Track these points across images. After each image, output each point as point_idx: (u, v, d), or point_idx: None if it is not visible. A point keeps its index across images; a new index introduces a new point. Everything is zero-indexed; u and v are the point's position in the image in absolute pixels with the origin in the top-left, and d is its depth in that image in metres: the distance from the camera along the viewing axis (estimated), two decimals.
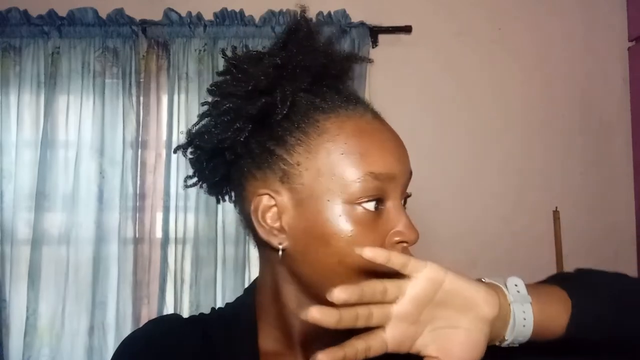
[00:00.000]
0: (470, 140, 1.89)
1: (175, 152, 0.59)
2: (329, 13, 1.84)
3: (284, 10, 1.83)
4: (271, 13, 1.84)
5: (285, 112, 0.51)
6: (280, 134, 0.51)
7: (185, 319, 0.60)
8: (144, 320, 1.78)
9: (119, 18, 1.83)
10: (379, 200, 0.50)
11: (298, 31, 0.54)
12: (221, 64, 1.89)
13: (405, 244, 0.51)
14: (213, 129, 0.53)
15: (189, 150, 0.57)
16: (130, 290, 1.78)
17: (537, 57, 1.92)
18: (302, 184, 0.50)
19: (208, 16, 1.84)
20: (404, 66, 1.90)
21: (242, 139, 0.52)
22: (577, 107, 1.92)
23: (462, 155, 1.89)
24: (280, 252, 0.51)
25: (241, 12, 1.83)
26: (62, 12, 1.82)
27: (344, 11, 1.85)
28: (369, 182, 0.49)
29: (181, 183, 1.81)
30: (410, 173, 0.54)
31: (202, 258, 1.79)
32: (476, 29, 1.93)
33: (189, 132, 0.56)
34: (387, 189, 0.50)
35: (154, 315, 1.77)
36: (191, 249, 1.80)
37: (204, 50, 1.84)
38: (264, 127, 0.52)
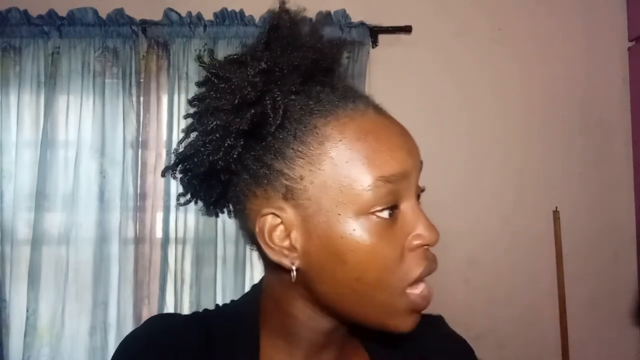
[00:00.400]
0: (470, 140, 1.89)
1: (163, 175, 0.54)
2: (329, 13, 1.84)
3: None
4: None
5: (278, 121, 0.46)
6: (277, 146, 0.47)
7: (187, 316, 0.58)
8: (144, 319, 1.78)
9: (119, 18, 1.83)
10: (393, 206, 0.47)
11: (279, 27, 0.49)
12: None
13: (426, 247, 0.48)
14: (202, 149, 0.48)
15: (179, 170, 0.53)
16: (130, 290, 1.78)
17: (537, 57, 1.92)
18: (308, 198, 0.46)
19: (208, 16, 1.84)
20: (404, 66, 1.90)
21: (235, 156, 0.47)
22: (577, 107, 1.92)
23: (462, 155, 1.89)
24: (293, 273, 0.48)
25: (241, 12, 1.83)
26: (62, 12, 1.82)
27: (344, 11, 1.85)
28: (381, 188, 0.45)
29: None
30: (421, 163, 0.51)
31: (203, 258, 1.79)
32: (476, 29, 1.93)
33: (176, 153, 0.52)
34: (401, 190, 0.47)
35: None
36: (191, 249, 1.80)
37: (204, 50, 1.84)
38: (257, 140, 0.48)
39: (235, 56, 0.49)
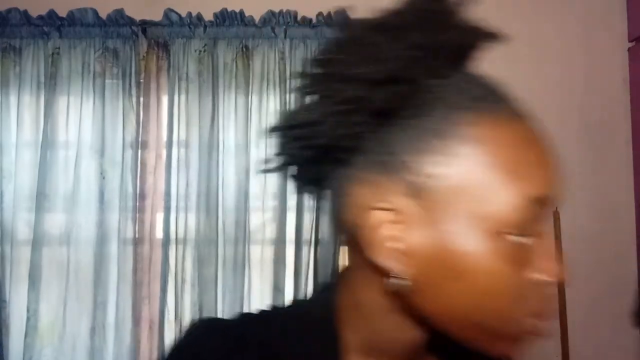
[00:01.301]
0: None
1: (270, 135, 0.45)
2: (329, 13, 1.84)
3: (284, 10, 1.83)
4: (271, 13, 1.84)
5: (420, 107, 0.40)
6: (410, 135, 0.40)
7: (240, 324, 0.50)
8: (144, 320, 1.78)
9: (118, 18, 1.83)
10: (528, 231, 0.40)
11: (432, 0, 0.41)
12: (221, 65, 1.92)
13: (546, 283, 0.42)
14: (327, 119, 0.40)
15: (282, 134, 0.44)
16: (130, 291, 1.78)
17: (537, 57, 1.92)
18: (433, 201, 0.39)
19: (208, 16, 1.84)
20: None
21: (361, 135, 0.41)
22: (577, 108, 1.92)
23: None
24: (393, 281, 0.41)
25: (241, 12, 1.83)
26: (62, 13, 1.82)
27: (344, 12, 1.85)
28: (525, 209, 0.39)
29: (181, 183, 1.82)
30: None
31: (203, 258, 1.79)
32: None
33: (293, 114, 0.43)
34: (541, 214, 0.40)
35: (154, 316, 1.77)
36: (192, 250, 1.80)
37: (204, 51, 1.84)
38: (389, 123, 0.41)
39: (383, 21, 0.41)
